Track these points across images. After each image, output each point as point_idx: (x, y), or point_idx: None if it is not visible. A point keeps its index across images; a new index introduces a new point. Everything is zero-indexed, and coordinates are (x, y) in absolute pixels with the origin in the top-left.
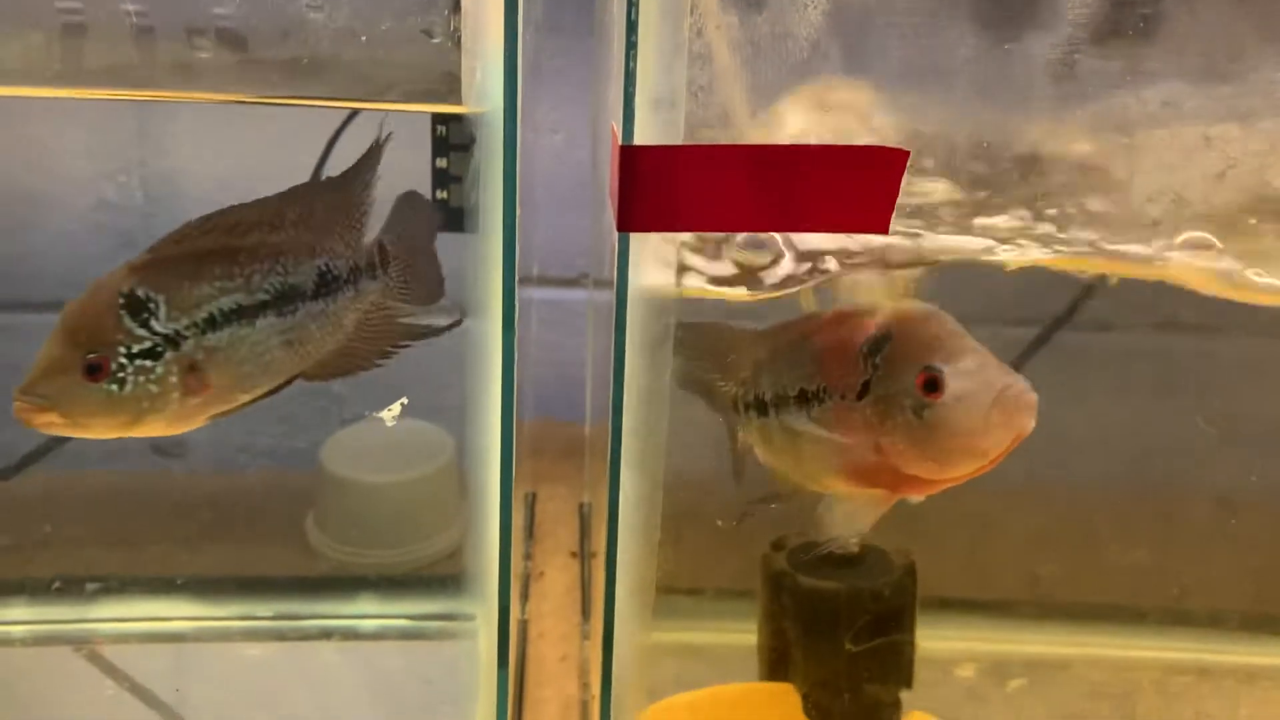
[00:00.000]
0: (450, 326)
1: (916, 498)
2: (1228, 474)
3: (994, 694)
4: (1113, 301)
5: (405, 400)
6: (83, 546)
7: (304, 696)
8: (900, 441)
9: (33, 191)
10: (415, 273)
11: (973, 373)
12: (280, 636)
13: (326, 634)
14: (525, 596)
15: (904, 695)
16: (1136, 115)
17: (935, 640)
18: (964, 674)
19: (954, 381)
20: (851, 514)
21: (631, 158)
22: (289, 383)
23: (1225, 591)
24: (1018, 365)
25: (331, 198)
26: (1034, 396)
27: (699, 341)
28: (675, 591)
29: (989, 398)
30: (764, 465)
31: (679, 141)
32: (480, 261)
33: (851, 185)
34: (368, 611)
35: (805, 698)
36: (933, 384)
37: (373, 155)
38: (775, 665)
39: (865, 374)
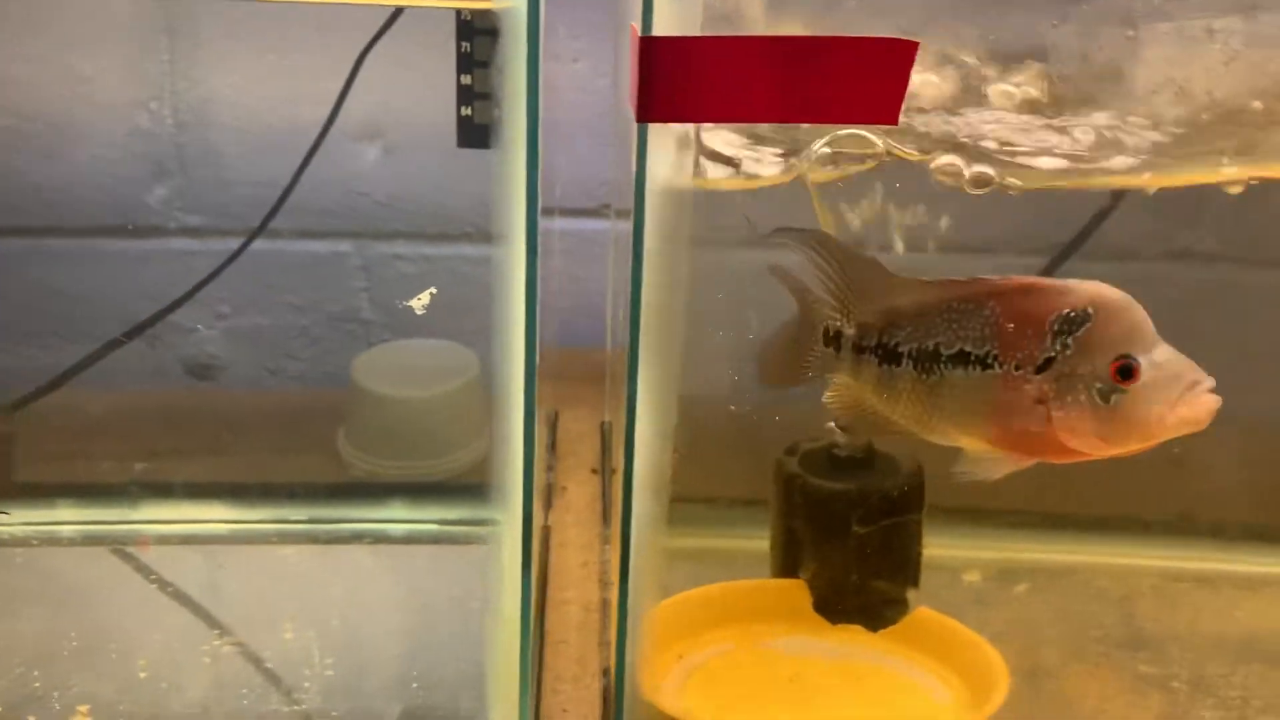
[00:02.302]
0: None
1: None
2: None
3: (999, 597)
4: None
5: (434, 290)
6: (123, 458)
7: (337, 595)
8: (1076, 419)
9: (67, 118)
10: None
11: (1166, 366)
12: (313, 539)
13: (358, 537)
14: (548, 507)
15: (911, 595)
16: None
17: (944, 548)
18: (971, 579)
19: (1149, 372)
20: (986, 468)
21: (650, 48)
22: None
23: (1227, 504)
24: None
25: None
26: (1218, 400)
27: (835, 270)
28: (692, 500)
29: (1178, 392)
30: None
31: (697, 34)
32: (503, 181)
33: (864, 76)
34: (397, 517)
35: (814, 591)
36: (1128, 371)
37: None
38: (786, 564)
39: (1051, 350)
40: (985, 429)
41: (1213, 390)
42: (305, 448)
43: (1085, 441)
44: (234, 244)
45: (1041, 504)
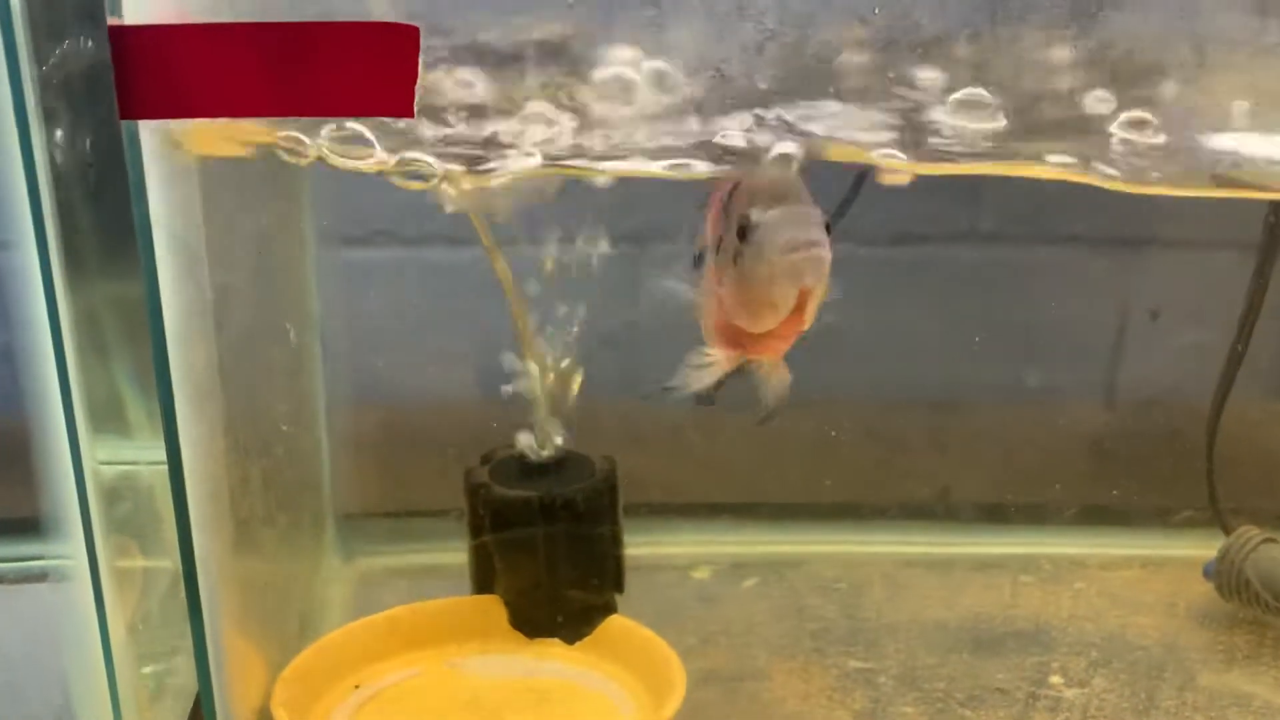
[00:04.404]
0: None
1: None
2: (963, 377)
3: (725, 594)
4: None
5: None
6: None
7: None
8: (726, 287)
9: None
10: None
11: (771, 223)
12: None
13: None
14: None
15: (632, 600)
16: None
17: (674, 546)
18: (700, 576)
19: (755, 231)
20: (700, 373)
21: (123, 38)
22: None
23: (959, 486)
24: None
25: None
26: (821, 253)
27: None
28: (392, 515)
29: (776, 247)
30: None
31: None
32: None
33: (367, 65)
34: None
35: (509, 606)
36: (744, 231)
37: None
38: (483, 578)
39: (720, 230)
40: (709, 327)
41: (820, 247)
42: None
43: (735, 310)
44: None
45: (775, 495)
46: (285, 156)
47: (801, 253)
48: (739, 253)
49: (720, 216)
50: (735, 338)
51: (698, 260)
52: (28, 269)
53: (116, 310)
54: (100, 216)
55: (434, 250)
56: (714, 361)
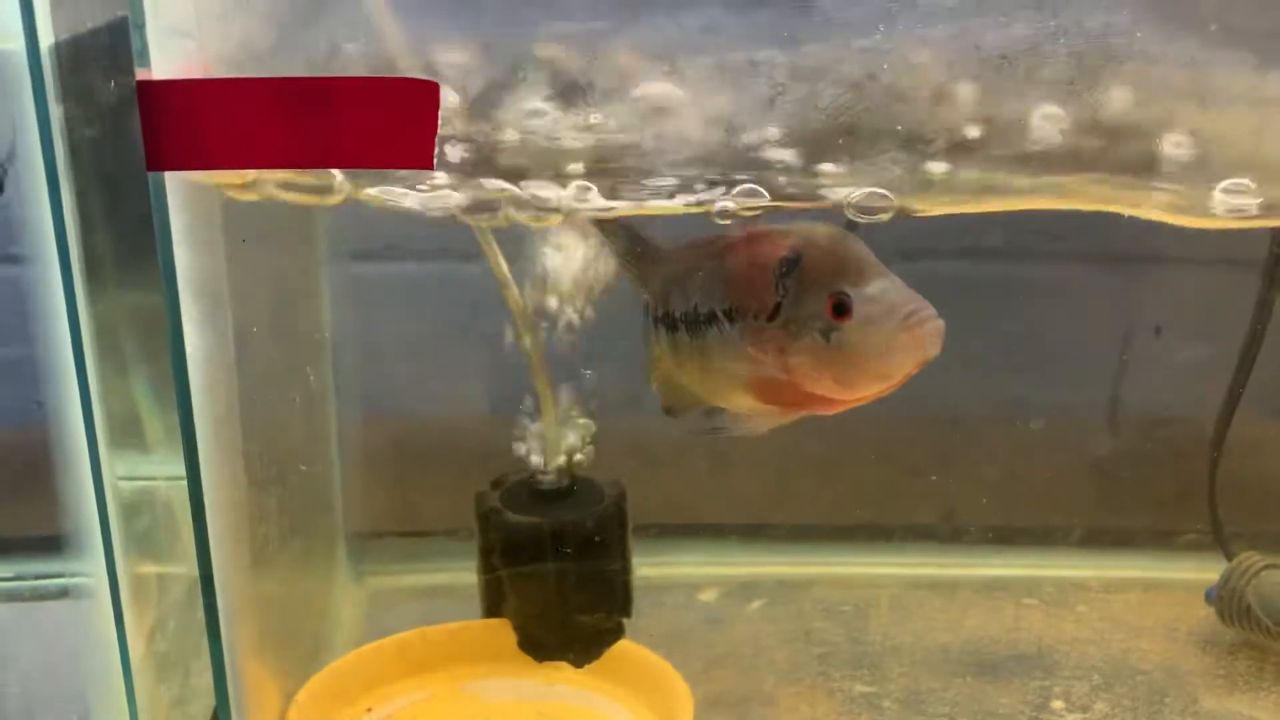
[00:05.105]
0: None
1: (825, 413)
2: (967, 396)
3: (731, 616)
4: None
5: None
6: None
7: None
8: (808, 363)
9: None
10: None
11: (879, 298)
12: None
13: None
14: None
15: (640, 622)
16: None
17: (682, 567)
18: (706, 598)
19: (861, 306)
20: (749, 425)
21: (151, 93)
22: None
23: (964, 508)
24: None
25: None
26: (940, 322)
27: (627, 247)
28: (405, 535)
29: (895, 323)
30: (656, 380)
31: (198, 74)
32: None
33: (388, 118)
34: None
35: (518, 630)
36: (841, 308)
37: None
38: (493, 602)
39: (777, 296)
40: (748, 384)
41: (933, 315)
42: None
43: (822, 384)
44: None
45: (782, 516)
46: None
47: (927, 325)
48: (832, 328)
49: (766, 282)
50: (787, 397)
51: (668, 320)
52: (49, 283)
53: (134, 323)
54: (118, 228)
55: (445, 264)
56: (762, 419)
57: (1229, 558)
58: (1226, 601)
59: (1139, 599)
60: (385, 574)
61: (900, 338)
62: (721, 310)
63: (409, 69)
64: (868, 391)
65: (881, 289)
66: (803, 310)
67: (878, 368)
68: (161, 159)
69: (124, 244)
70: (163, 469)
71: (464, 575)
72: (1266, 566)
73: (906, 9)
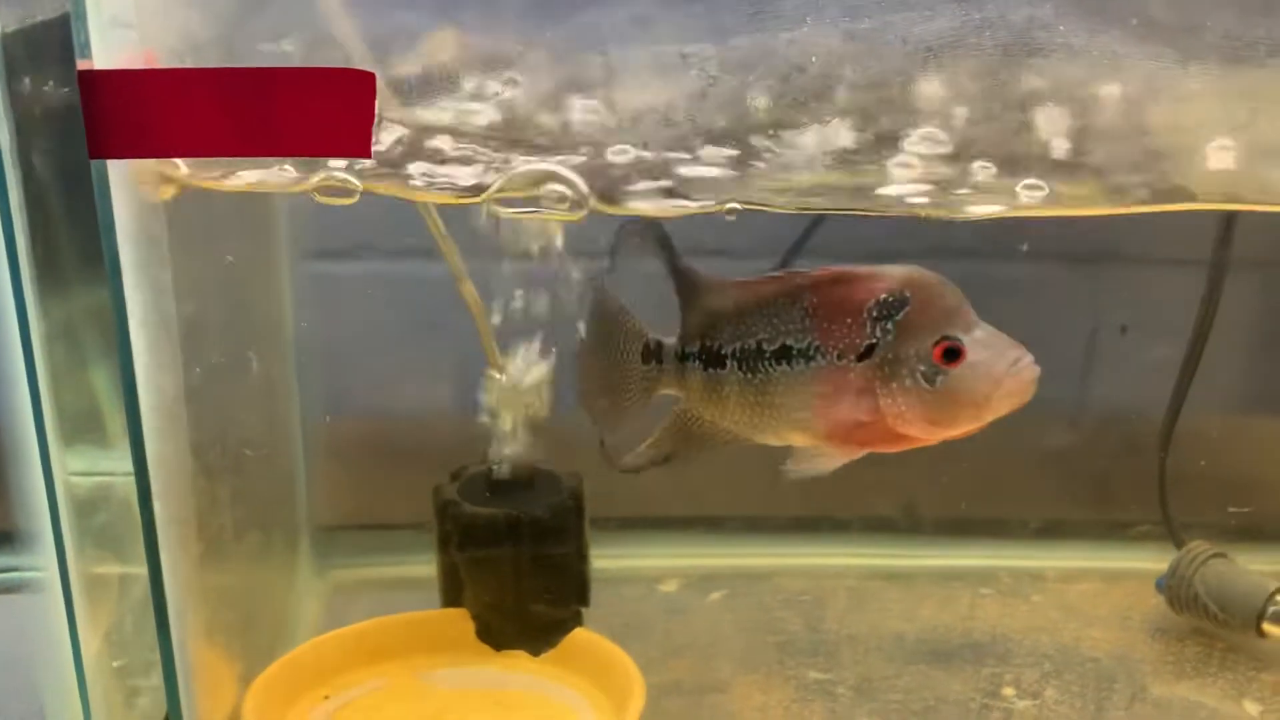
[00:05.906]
0: None
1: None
2: None
3: (692, 606)
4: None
5: None
6: None
7: None
8: (904, 405)
9: None
10: None
11: (988, 344)
12: None
13: None
14: None
15: (601, 612)
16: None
17: (643, 559)
18: (668, 589)
19: (974, 352)
20: (818, 464)
21: (92, 82)
22: None
23: (923, 500)
24: None
25: None
26: (1038, 369)
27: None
28: (366, 528)
29: (1002, 369)
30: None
31: (140, 64)
32: None
33: (324, 107)
34: None
35: (476, 619)
36: (953, 353)
37: None
38: (452, 593)
39: (871, 337)
40: (815, 423)
41: (1033, 363)
42: None
43: (915, 426)
44: None
45: (742, 508)
46: None
47: (1028, 373)
48: (938, 372)
49: (858, 323)
50: (861, 436)
51: (708, 355)
52: None
53: (96, 320)
54: (78, 224)
55: (410, 264)
56: (828, 457)
57: (1179, 547)
58: (1176, 590)
59: (1093, 588)
60: (349, 567)
61: (1006, 384)
62: (800, 347)
63: (361, 61)
64: (955, 433)
65: (988, 336)
66: (904, 352)
67: (978, 412)
68: (102, 147)
69: (85, 240)
70: (122, 464)
71: (427, 568)
72: (1213, 555)
73: None
